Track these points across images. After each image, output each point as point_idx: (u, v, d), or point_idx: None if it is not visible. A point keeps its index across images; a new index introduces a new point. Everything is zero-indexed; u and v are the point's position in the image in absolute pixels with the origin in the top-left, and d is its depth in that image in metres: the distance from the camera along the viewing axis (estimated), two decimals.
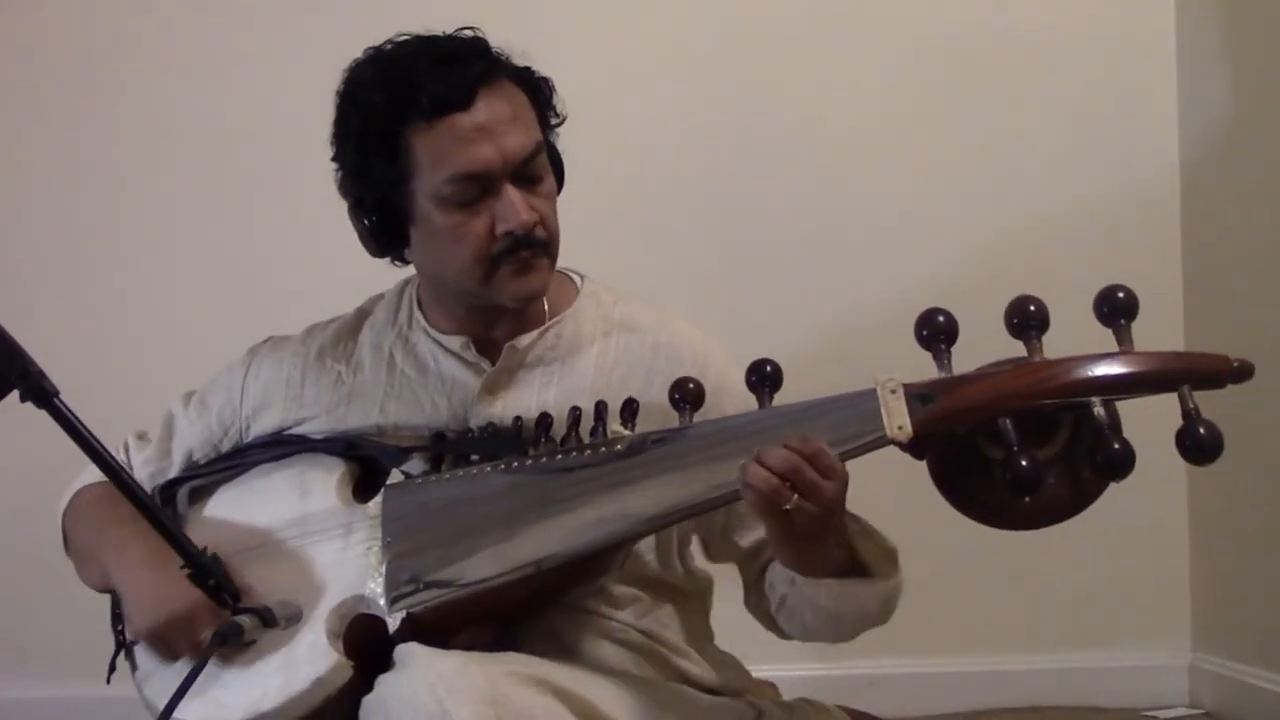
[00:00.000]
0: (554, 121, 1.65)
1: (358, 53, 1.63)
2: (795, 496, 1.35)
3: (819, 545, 1.43)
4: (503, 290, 1.58)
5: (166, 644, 1.54)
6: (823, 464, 1.36)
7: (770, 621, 1.66)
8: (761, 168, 2.92)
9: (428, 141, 1.54)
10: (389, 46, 1.61)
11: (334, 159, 1.63)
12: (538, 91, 1.63)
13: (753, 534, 1.64)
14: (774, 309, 2.88)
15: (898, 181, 2.92)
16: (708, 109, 2.91)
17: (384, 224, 1.60)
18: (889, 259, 2.90)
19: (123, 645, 1.66)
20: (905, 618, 2.94)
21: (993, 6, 2.93)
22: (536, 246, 1.57)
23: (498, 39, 1.63)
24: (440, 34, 1.60)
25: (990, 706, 2.85)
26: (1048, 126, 2.91)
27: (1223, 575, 2.83)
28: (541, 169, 1.59)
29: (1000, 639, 2.91)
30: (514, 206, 1.55)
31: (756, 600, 1.67)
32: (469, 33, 1.61)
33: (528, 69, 1.62)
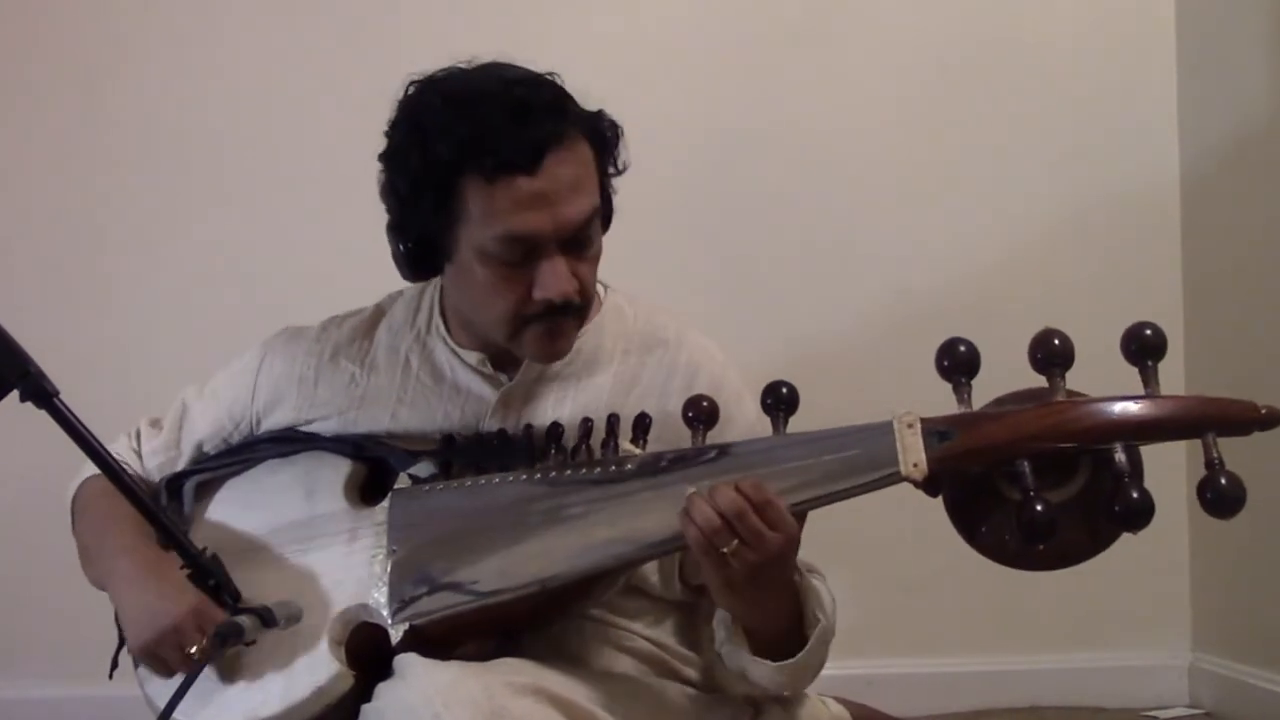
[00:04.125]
0: (613, 172, 1.59)
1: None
2: (735, 542, 1.33)
3: (757, 595, 1.41)
4: (527, 349, 1.56)
5: (159, 660, 1.53)
6: (770, 515, 1.34)
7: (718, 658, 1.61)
8: (759, 172, 2.91)
9: (483, 196, 1.48)
10: (461, 80, 1.53)
11: (381, 162, 1.56)
12: (604, 144, 1.57)
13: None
14: (771, 314, 2.88)
15: (896, 187, 2.91)
16: (707, 112, 2.91)
17: (420, 253, 1.56)
18: (887, 264, 2.89)
19: (125, 642, 1.66)
20: (905, 618, 2.96)
21: (993, 11, 2.93)
22: (570, 312, 1.54)
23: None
24: (518, 78, 1.52)
25: (990, 706, 2.84)
26: (1047, 134, 2.91)
27: (1223, 575, 2.83)
28: (593, 233, 1.54)
29: (1000, 639, 2.91)
30: (557, 277, 1.50)
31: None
32: (549, 79, 1.54)
33: (598, 117, 1.56)
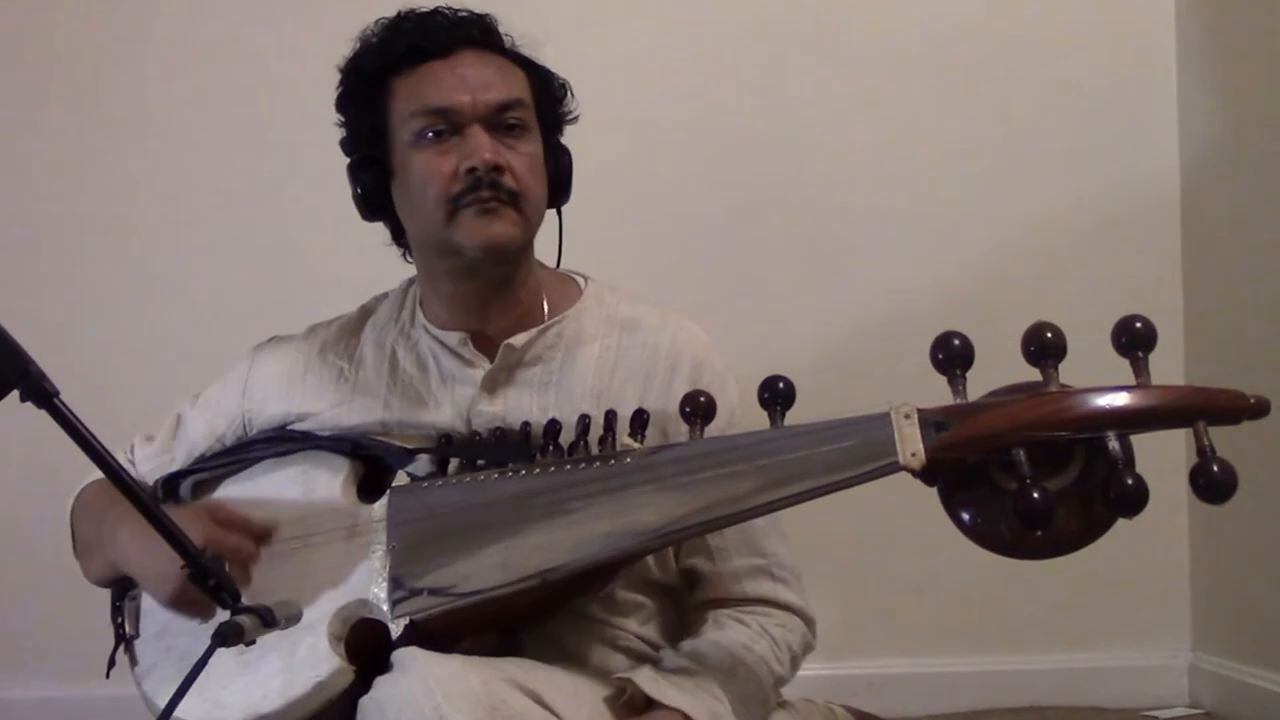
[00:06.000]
0: (565, 118, 1.66)
1: None
2: None
3: None
4: (464, 234, 1.57)
5: (192, 604, 1.52)
6: None
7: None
8: (760, 170, 2.92)
9: (404, 84, 1.59)
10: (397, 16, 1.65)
11: (337, 109, 1.67)
12: (543, 83, 1.63)
13: (689, 559, 1.64)
14: (773, 312, 2.88)
15: (897, 185, 2.92)
16: (708, 111, 2.91)
17: (370, 179, 1.63)
18: (887, 262, 2.90)
19: (122, 639, 1.67)
20: (905, 617, 2.96)
21: (992, 10, 2.93)
22: (500, 190, 1.56)
23: None
24: (448, 9, 1.64)
25: (990, 706, 2.84)
26: (1048, 132, 2.91)
27: (1223, 575, 2.83)
28: (523, 124, 1.60)
29: (1000, 639, 2.91)
30: (478, 144, 1.56)
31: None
32: (477, 13, 1.64)
33: (538, 64, 1.64)
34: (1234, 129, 2.77)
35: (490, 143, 1.56)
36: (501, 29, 1.65)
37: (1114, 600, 2.89)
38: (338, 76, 1.66)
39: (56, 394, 1.33)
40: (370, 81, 1.61)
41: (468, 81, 1.57)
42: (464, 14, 1.63)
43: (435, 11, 1.63)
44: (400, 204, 1.64)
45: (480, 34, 1.61)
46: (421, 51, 1.58)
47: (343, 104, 1.66)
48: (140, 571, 1.59)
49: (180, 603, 1.53)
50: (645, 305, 1.71)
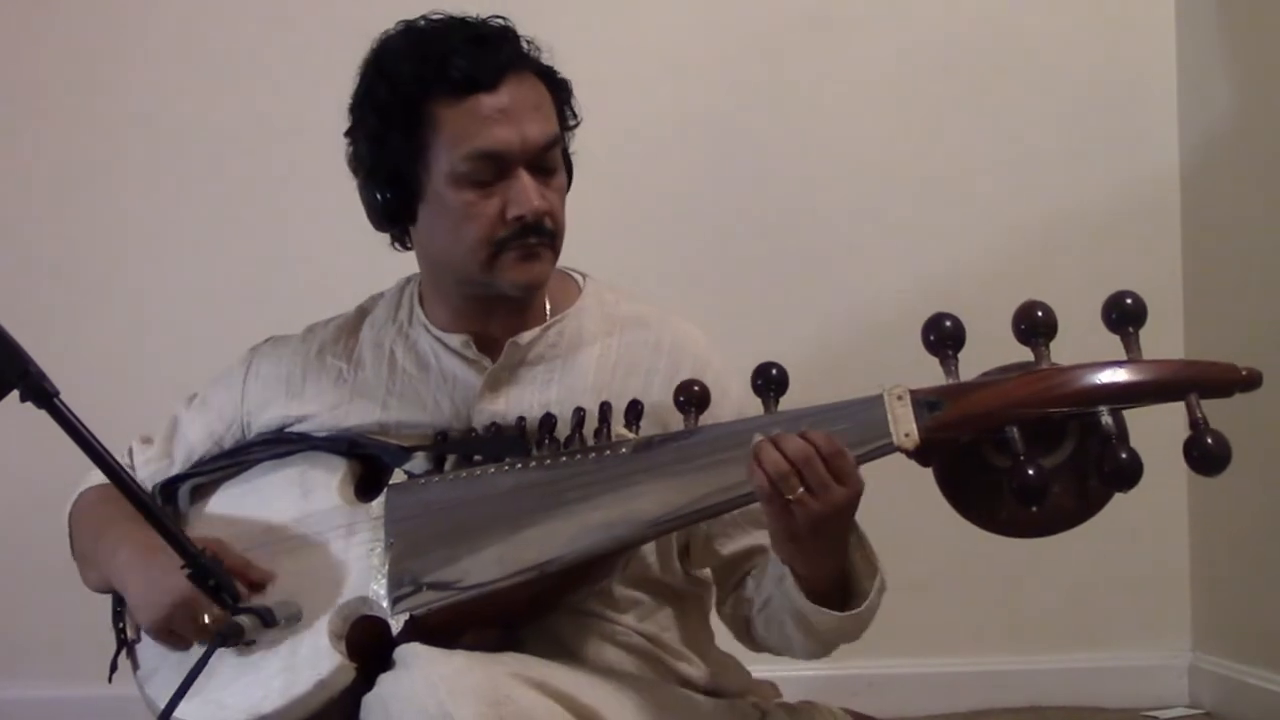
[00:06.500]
0: (571, 123, 1.66)
1: (360, 52, 1.63)
2: (801, 489, 1.34)
3: (817, 546, 1.42)
4: (505, 276, 1.58)
5: (174, 635, 1.53)
6: (837, 465, 1.35)
7: (745, 628, 1.64)
8: (760, 170, 2.92)
9: (450, 117, 1.55)
10: (422, 22, 1.61)
11: (348, 133, 1.63)
12: (559, 90, 1.63)
13: (736, 543, 1.63)
14: (774, 311, 2.88)
15: (897, 184, 2.92)
16: (708, 110, 2.91)
17: (394, 198, 1.60)
18: (888, 261, 2.90)
19: (124, 644, 1.67)
20: (905, 618, 2.94)
21: (992, 9, 2.93)
22: (543, 235, 1.57)
23: None
24: (473, 17, 1.61)
25: (990, 706, 2.85)
26: (1047, 129, 2.91)
27: (1223, 575, 2.83)
28: (556, 162, 1.60)
29: (1000, 639, 2.91)
30: (527, 192, 1.55)
31: (733, 607, 1.66)
32: (500, 21, 1.61)
33: (551, 68, 1.63)
34: (1234, 129, 2.77)
35: (537, 189, 1.56)
36: (521, 34, 1.63)
37: (1114, 600, 2.89)
38: (339, 77, 1.65)
39: (56, 394, 1.33)
40: (411, 101, 1.56)
41: (514, 119, 1.54)
42: (497, 27, 1.60)
43: (480, 36, 1.58)
44: (428, 228, 1.61)
45: (518, 54, 1.59)
46: (471, 83, 1.54)
47: (372, 114, 1.60)
48: (132, 595, 1.60)
49: (162, 633, 1.54)
50: (644, 304, 1.72)
